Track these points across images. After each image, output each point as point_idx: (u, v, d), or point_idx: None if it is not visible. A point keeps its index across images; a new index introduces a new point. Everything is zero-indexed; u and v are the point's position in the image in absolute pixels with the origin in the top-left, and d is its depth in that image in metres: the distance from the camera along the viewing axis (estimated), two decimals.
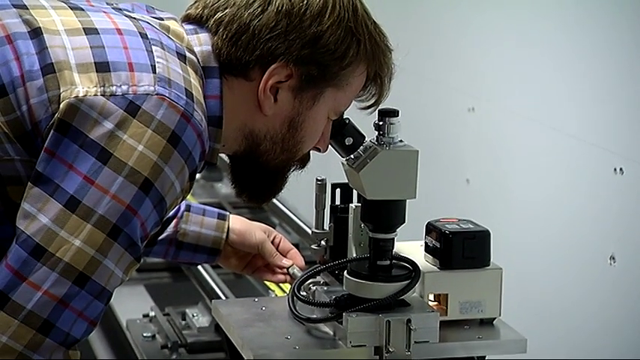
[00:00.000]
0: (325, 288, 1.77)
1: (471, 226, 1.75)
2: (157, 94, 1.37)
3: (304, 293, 1.76)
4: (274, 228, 3.39)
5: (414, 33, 3.17)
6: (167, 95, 1.37)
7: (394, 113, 1.71)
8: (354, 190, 1.80)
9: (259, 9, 1.49)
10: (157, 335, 2.48)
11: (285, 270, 1.92)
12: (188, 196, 3.65)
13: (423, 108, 3.06)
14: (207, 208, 1.96)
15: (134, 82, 1.37)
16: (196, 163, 1.41)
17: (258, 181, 1.62)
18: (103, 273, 1.35)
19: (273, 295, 2.32)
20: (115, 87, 1.36)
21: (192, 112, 1.39)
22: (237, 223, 1.95)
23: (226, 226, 1.92)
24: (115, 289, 1.39)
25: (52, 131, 1.34)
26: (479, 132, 2.80)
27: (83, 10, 1.47)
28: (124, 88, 1.37)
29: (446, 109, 2.99)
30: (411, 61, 3.15)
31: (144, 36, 1.43)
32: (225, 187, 3.86)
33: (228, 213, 1.97)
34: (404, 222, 1.70)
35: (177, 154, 1.36)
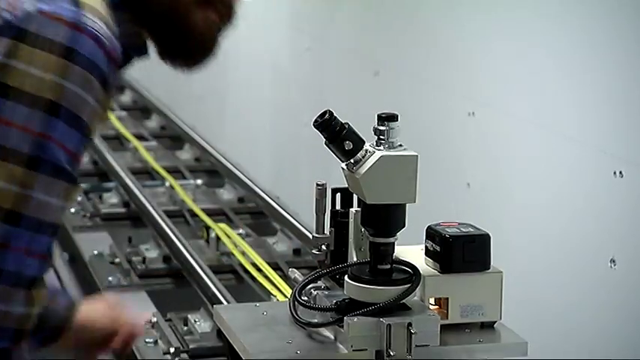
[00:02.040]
0: (326, 292, 1.77)
1: (471, 230, 1.74)
2: (39, 12, 1.30)
3: (305, 298, 1.75)
4: (276, 233, 3.43)
5: (413, 37, 3.16)
6: (49, 10, 1.30)
7: (394, 118, 1.70)
8: (354, 195, 1.79)
9: None
10: (159, 341, 2.48)
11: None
12: (189, 202, 3.63)
13: (423, 112, 3.06)
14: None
15: (14, 7, 1.30)
16: (104, 69, 1.31)
17: (171, 36, 1.47)
18: (35, 206, 1.28)
19: (275, 300, 2.31)
20: None
21: (82, 19, 1.30)
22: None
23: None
24: (60, 218, 1.32)
25: None
26: (479, 136, 2.80)
27: None
28: (6, 15, 1.30)
29: (446, 113, 2.98)
30: (410, 65, 3.16)
31: None
32: (226, 193, 3.87)
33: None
34: (404, 226, 1.69)
35: (76, 67, 1.29)
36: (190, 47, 1.48)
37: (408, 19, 3.22)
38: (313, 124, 1.69)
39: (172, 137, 4.86)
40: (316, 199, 1.84)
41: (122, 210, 3.64)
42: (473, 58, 2.85)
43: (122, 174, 3.89)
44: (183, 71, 1.54)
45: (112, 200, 3.69)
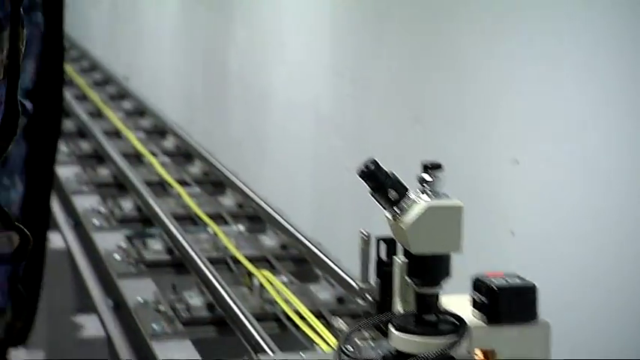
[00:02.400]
0: (372, 343, 1.75)
1: (518, 281, 1.72)
2: None
3: (351, 348, 1.74)
4: (319, 281, 3.42)
5: (454, 83, 3.16)
6: None
7: (438, 167, 1.69)
8: (398, 244, 1.78)
9: None
10: None
11: None
12: (232, 248, 3.61)
13: (467, 160, 3.05)
14: None
15: None
16: None
17: None
18: None
19: (319, 351, 2.30)
20: None
21: None
22: None
23: None
24: None
25: None
26: (523, 184, 2.78)
27: None
28: None
29: (489, 161, 2.97)
30: (452, 112, 3.16)
31: None
32: (268, 240, 3.87)
33: None
34: (449, 276, 1.68)
35: None
36: None
37: (449, 65, 3.22)
38: (358, 174, 1.68)
39: (214, 183, 4.88)
40: (361, 248, 1.83)
41: (166, 257, 3.65)
42: (516, 105, 2.84)
43: (165, 220, 3.90)
44: None
45: (155, 247, 3.71)
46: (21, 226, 1.24)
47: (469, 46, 3.14)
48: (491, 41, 2.98)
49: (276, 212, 4.06)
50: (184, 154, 5.49)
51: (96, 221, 4.14)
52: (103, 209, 4.30)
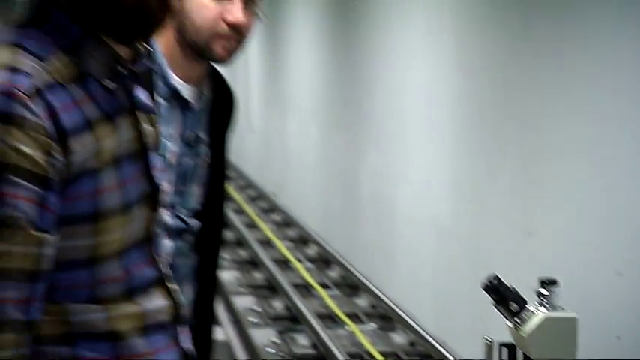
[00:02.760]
0: None
1: None
2: None
3: None
4: None
5: (561, 201, 3.15)
6: None
7: (554, 282, 1.71)
8: (518, 350, 1.78)
9: None
10: None
11: None
12: (367, 345, 3.59)
13: (573, 272, 3.01)
14: None
15: None
16: (16, 111, 1.08)
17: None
18: None
19: None
20: None
21: None
22: None
23: None
24: (34, 265, 1.11)
25: None
26: (627, 294, 2.72)
27: None
28: None
29: (594, 273, 2.93)
30: (562, 228, 3.13)
31: None
32: (398, 337, 3.87)
33: None
34: None
35: None
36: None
37: (556, 184, 3.22)
38: (482, 288, 1.72)
39: (351, 285, 4.92)
40: (485, 351, 1.84)
41: (311, 351, 3.69)
42: (618, 218, 2.81)
43: (310, 318, 3.96)
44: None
45: (302, 342, 3.76)
46: (170, 287, 1.29)
47: (575, 175, 3.14)
48: (592, 168, 2.97)
49: (404, 313, 4.07)
50: (324, 261, 5.56)
51: (252, 318, 4.22)
52: (257, 308, 4.38)
